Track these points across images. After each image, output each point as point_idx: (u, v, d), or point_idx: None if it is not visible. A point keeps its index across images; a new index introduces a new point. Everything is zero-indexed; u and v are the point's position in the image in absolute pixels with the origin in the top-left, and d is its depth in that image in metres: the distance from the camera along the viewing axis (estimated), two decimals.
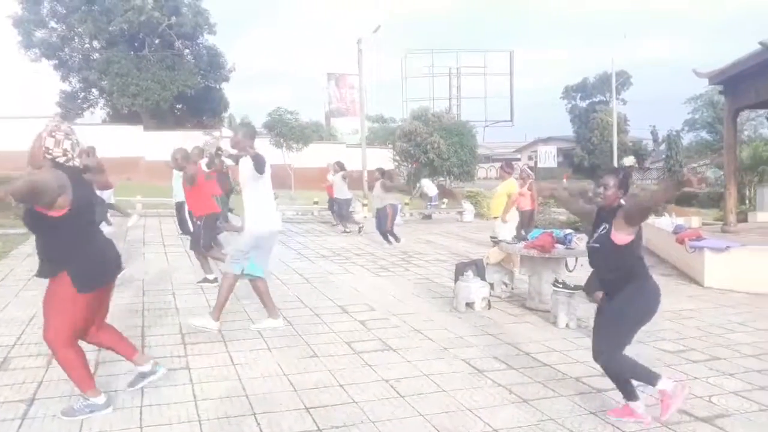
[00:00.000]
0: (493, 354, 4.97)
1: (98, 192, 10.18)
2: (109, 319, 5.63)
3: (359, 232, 13.28)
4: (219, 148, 12.17)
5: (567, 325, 5.87)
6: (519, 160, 51.59)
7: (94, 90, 31.74)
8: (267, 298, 5.51)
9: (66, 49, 29.98)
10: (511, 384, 4.30)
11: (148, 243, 10.84)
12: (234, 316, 5.91)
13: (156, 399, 3.81)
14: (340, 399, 3.89)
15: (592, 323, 5.93)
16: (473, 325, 5.89)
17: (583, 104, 54.37)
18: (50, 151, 3.36)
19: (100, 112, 33.80)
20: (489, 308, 6.50)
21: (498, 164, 55.57)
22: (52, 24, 29.48)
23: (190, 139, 15.89)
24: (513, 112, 43.31)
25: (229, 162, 6.84)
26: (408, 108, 36.06)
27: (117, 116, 31.12)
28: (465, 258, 9.42)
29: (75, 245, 3.43)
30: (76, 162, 3.48)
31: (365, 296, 6.99)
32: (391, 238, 11.43)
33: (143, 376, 3.81)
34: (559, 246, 6.45)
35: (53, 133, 3.38)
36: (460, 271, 6.68)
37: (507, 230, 8.46)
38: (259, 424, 3.50)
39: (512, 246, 6.82)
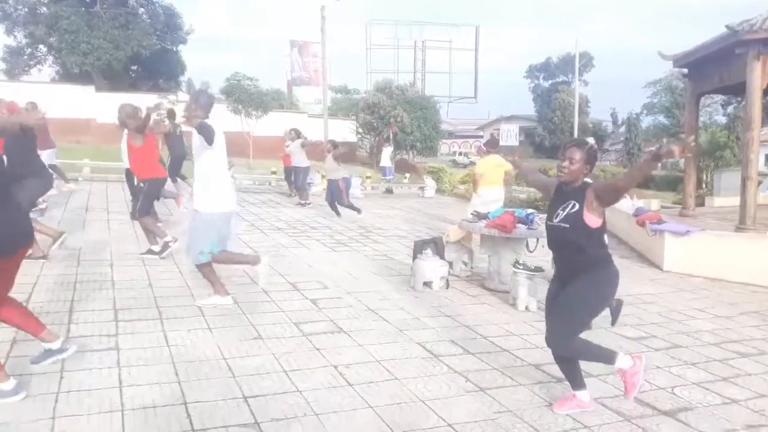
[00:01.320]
0: (450, 337, 4.72)
1: (39, 152, 9.62)
2: (37, 290, 5.20)
3: (304, 205, 12.80)
4: (171, 111, 11.51)
5: (526, 308, 5.66)
6: (482, 137, 51.64)
7: (41, 46, 30.08)
8: (211, 276, 5.15)
9: (10, 1, 28.19)
10: (467, 371, 4.04)
11: (91, 209, 10.21)
12: (176, 291, 5.50)
13: (76, 385, 3.41)
14: (282, 387, 3.56)
15: None
16: (430, 305, 5.62)
17: (546, 84, 54.80)
18: None
19: (48, 70, 32.14)
20: (447, 288, 6.25)
21: (461, 141, 55.81)
22: None
23: (144, 102, 15.12)
24: (477, 89, 43.00)
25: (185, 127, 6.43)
26: (372, 80, 35.33)
27: (67, 75, 29.55)
28: (425, 235, 9.17)
29: None
30: None
31: (319, 273, 6.65)
32: (341, 211, 11.14)
33: (50, 353, 3.56)
34: (521, 226, 6.22)
35: None
36: (418, 248, 6.40)
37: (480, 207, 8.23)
38: (189, 415, 3.14)
39: (473, 224, 6.56)
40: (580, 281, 3.34)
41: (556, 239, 3.46)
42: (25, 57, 30.39)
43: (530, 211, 6.64)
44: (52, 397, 3.24)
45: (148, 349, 4.03)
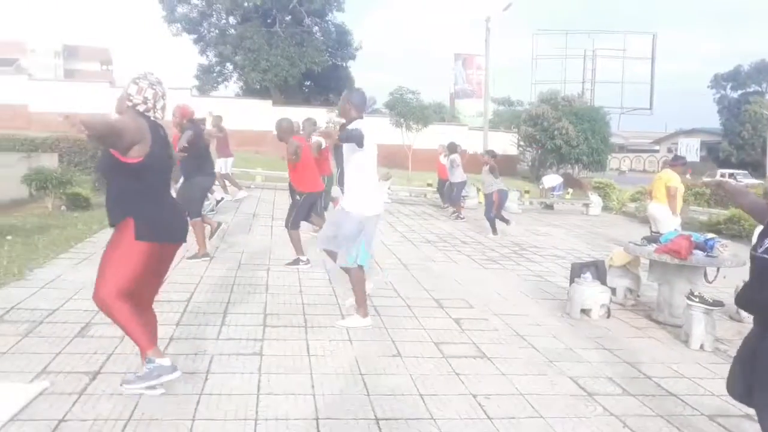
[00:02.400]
0: (608, 374, 4.22)
1: (218, 160, 10.52)
2: (199, 290, 5.53)
3: (456, 218, 12.63)
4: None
5: (701, 347, 4.95)
6: (657, 151, 48.08)
7: (228, 64, 33.18)
8: (360, 289, 4.93)
9: (204, 24, 31.48)
10: (625, 415, 3.56)
11: (258, 215, 10.88)
12: (324, 299, 5.57)
13: (218, 388, 3.50)
14: (416, 412, 3.37)
15: (732, 347, 4.99)
16: (587, 335, 5.12)
17: (734, 95, 49.68)
18: (131, 98, 3.29)
19: (233, 86, 35.37)
20: (608, 317, 5.67)
21: (633, 155, 52.48)
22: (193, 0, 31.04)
23: (315, 116, 16.03)
24: (653, 100, 40.04)
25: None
26: (536, 91, 34.37)
27: (249, 91, 32.32)
28: (586, 256, 8.53)
29: (144, 195, 3.29)
30: (158, 114, 3.36)
31: (465, 290, 6.39)
32: (498, 227, 10.67)
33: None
34: (698, 252, 5.47)
35: (137, 81, 3.31)
36: (576, 272, 5.89)
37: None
38: None
39: (641, 248, 5.91)
40: None
41: (757, 274, 2.80)
42: (214, 74, 33.73)
43: (710, 235, 5.84)
44: (194, 398, 3.34)
45: (289, 357, 4.07)
